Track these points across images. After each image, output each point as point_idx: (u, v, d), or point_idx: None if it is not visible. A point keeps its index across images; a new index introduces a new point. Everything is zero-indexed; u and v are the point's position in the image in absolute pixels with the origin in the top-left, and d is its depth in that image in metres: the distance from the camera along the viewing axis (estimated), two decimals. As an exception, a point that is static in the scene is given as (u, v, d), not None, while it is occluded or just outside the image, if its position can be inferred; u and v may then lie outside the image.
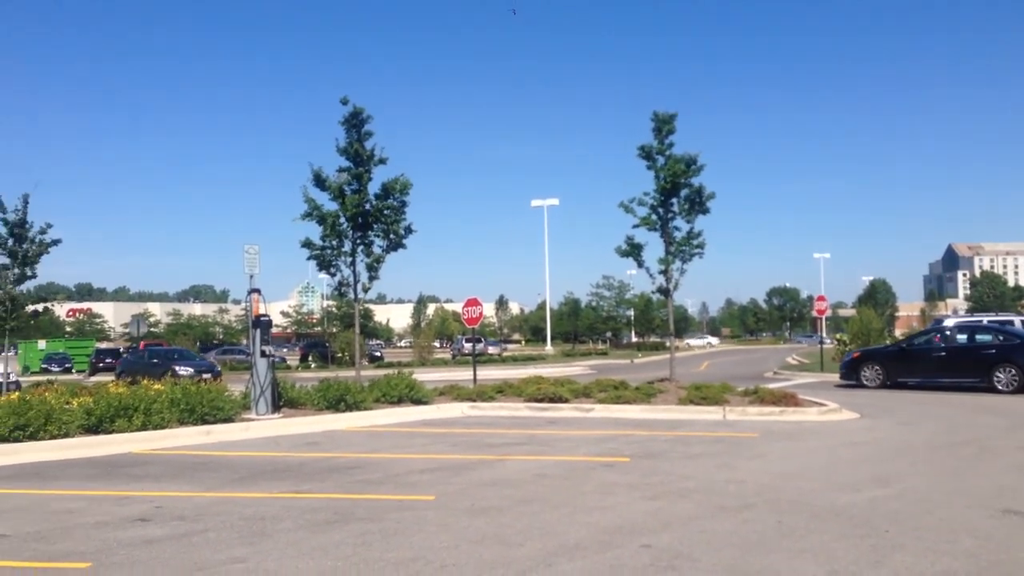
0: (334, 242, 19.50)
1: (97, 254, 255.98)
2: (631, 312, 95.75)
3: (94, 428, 13.82)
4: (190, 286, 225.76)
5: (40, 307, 22.75)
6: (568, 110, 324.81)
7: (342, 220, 19.40)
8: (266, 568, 6.45)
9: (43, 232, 20.59)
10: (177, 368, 32.27)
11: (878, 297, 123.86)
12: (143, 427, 13.98)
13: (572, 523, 7.83)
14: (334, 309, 68.13)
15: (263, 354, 16.54)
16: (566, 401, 18.70)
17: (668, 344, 23.63)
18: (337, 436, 15.15)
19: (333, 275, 19.75)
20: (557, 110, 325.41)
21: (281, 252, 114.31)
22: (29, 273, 20.80)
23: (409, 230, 20.10)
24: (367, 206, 19.54)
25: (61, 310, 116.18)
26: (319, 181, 19.58)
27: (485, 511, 8.41)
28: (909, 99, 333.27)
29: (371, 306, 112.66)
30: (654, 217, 21.71)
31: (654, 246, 22.56)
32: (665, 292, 22.12)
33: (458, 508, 8.57)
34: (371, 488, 9.81)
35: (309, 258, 19.64)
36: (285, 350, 65.92)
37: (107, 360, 50.74)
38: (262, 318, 16.84)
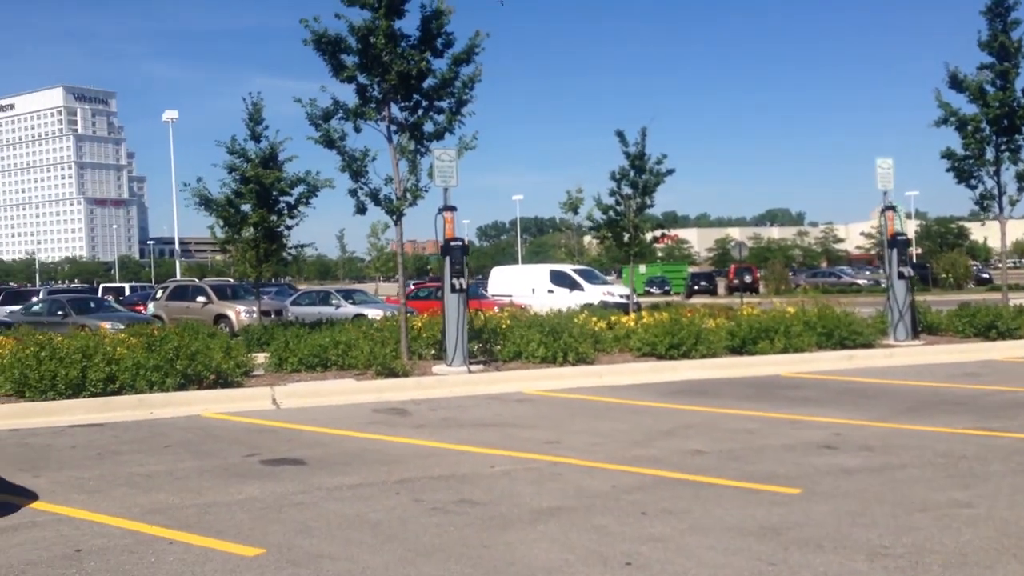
0: (975, 150, 17.29)
1: (682, 182, 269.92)
2: None
3: (737, 349, 14.19)
4: (766, 210, 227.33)
5: (658, 233, 24.29)
6: None
7: (983, 125, 17.11)
8: (1003, 518, 5.65)
9: (659, 163, 21.58)
10: None
11: None
12: (784, 350, 13.97)
13: None
14: (917, 229, 63.26)
15: (900, 275, 15.40)
16: None
17: None
18: (997, 366, 13.53)
19: (973, 187, 17.59)
20: None
21: (851, 168, 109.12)
22: (648, 203, 22.05)
23: None
24: (1015, 106, 16.93)
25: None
26: (955, 82, 17.42)
27: None
28: None
29: (965, 223, 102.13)
30: None
31: None
32: None
33: None
34: (1081, 432, 8.34)
35: (948, 170, 17.70)
36: (868, 272, 62.75)
37: (701, 283, 53.81)
38: (898, 237, 15.67)
